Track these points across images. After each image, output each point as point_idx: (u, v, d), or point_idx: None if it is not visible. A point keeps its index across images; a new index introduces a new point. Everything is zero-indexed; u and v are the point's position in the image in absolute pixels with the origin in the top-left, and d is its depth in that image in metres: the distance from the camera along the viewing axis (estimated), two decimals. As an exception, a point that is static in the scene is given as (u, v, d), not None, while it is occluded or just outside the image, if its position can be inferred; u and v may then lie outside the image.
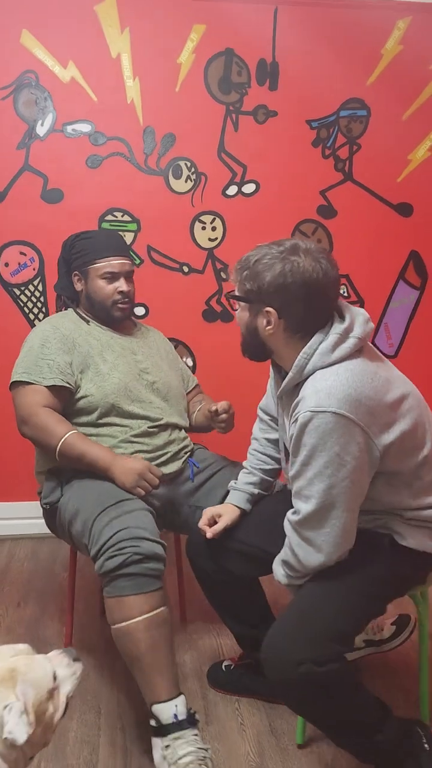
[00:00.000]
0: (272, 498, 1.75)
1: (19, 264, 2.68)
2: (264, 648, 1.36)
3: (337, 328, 1.36)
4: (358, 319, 1.40)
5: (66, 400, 1.82)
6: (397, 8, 2.69)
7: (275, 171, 2.74)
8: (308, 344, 1.35)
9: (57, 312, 2.06)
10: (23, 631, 2.13)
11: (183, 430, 1.99)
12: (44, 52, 2.55)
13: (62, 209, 2.65)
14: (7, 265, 2.67)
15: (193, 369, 2.85)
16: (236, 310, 1.47)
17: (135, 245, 2.72)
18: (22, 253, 2.67)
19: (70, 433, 1.74)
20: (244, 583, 1.71)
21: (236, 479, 1.76)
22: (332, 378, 1.30)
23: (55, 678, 1.09)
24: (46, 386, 1.77)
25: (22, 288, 2.70)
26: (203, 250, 2.77)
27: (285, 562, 1.44)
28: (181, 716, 1.50)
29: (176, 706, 1.51)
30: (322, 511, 1.32)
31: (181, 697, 1.54)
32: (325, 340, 1.35)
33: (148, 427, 1.86)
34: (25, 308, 2.71)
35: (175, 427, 1.94)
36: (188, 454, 1.97)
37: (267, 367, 2.84)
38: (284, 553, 1.44)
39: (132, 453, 1.81)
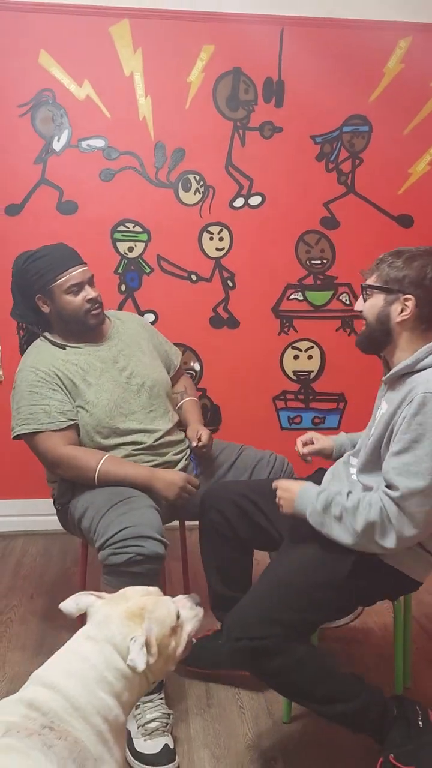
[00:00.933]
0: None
1: (35, 272, 2.80)
2: (226, 624, 1.52)
3: None
4: None
5: (78, 432, 1.89)
6: (399, 28, 2.80)
7: (280, 184, 2.86)
8: None
9: (21, 343, 2.04)
10: (36, 621, 2.24)
11: (176, 431, 2.06)
12: (61, 72, 2.69)
13: (77, 220, 2.78)
14: (23, 273, 2.80)
15: (200, 373, 2.96)
16: (364, 301, 1.58)
17: (145, 254, 2.84)
18: (38, 262, 2.79)
19: (102, 462, 1.81)
20: (243, 547, 1.82)
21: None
22: None
23: (178, 617, 1.25)
24: (54, 430, 1.82)
25: (38, 295, 2.82)
26: (211, 260, 2.89)
27: (344, 514, 1.46)
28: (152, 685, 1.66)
29: None
30: (428, 490, 1.38)
31: None
32: None
33: (148, 445, 1.93)
34: (41, 314, 2.84)
35: (170, 433, 2.01)
36: (187, 451, 2.05)
37: (269, 370, 2.96)
38: (359, 512, 1.44)
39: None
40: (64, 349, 1.93)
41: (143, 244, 2.84)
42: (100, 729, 1.08)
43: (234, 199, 2.85)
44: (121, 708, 1.13)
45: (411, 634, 1.92)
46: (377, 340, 1.56)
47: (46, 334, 1.97)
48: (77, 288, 1.89)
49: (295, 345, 2.99)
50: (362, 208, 2.91)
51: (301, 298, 2.96)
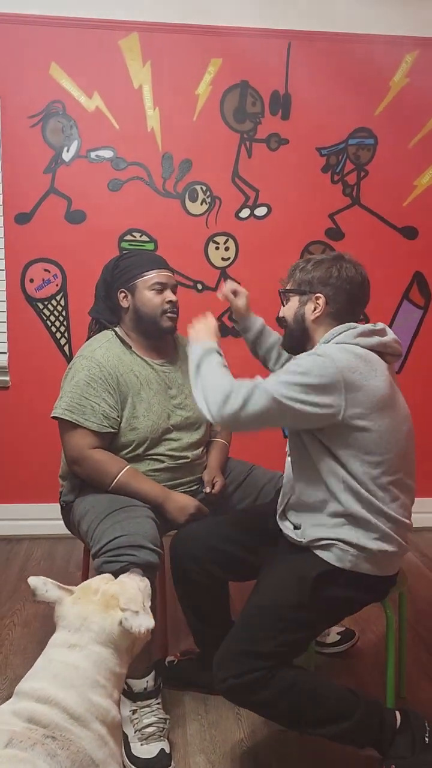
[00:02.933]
0: (266, 506, 1.88)
1: (43, 280, 2.85)
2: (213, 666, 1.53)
3: (369, 326, 1.61)
4: (390, 334, 1.64)
5: (111, 439, 1.89)
6: (405, 43, 2.83)
7: (286, 195, 2.89)
8: (340, 326, 1.61)
9: (90, 334, 2.04)
10: (39, 624, 2.27)
11: (202, 456, 2.07)
12: (71, 84, 2.74)
13: (84, 229, 2.82)
14: (32, 280, 2.85)
15: (205, 381, 2.99)
16: (283, 305, 1.73)
17: (152, 264, 2.88)
18: (46, 270, 2.85)
19: (122, 473, 1.82)
20: (218, 587, 1.83)
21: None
22: (343, 347, 1.53)
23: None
24: (92, 430, 1.83)
25: (45, 302, 2.87)
26: (216, 269, 2.92)
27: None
28: (150, 689, 1.71)
29: (147, 681, 1.72)
30: (273, 403, 1.44)
31: (152, 673, 1.74)
32: (354, 328, 1.59)
33: (169, 467, 1.95)
34: (48, 321, 2.88)
35: (194, 465, 2.02)
36: (199, 489, 2.05)
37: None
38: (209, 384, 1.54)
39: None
40: (131, 352, 1.96)
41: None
42: (101, 733, 1.11)
43: (240, 210, 2.89)
44: (115, 707, 1.16)
45: (406, 644, 1.93)
46: (298, 339, 1.69)
47: (117, 328, 2.00)
48: (161, 287, 1.95)
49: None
50: (367, 219, 2.94)
51: (306, 308, 2.98)
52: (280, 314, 1.73)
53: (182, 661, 1.96)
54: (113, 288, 2.00)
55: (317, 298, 1.62)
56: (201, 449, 2.06)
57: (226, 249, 2.91)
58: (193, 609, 1.85)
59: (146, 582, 1.35)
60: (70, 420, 1.84)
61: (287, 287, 1.72)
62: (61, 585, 1.25)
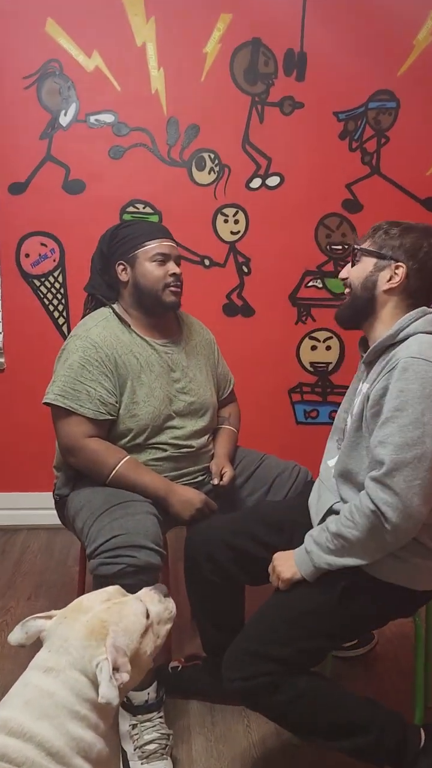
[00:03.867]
0: (285, 504, 1.71)
1: (39, 255, 2.67)
2: (222, 665, 1.40)
3: None
4: None
5: (109, 426, 1.74)
6: (431, -3, 2.60)
7: (300, 164, 2.68)
8: (415, 310, 1.40)
9: (86, 311, 1.87)
10: (33, 623, 2.12)
11: (208, 444, 1.91)
12: (69, 41, 2.53)
13: (84, 200, 2.63)
14: (27, 255, 2.67)
15: (213, 364, 2.81)
16: (352, 266, 1.50)
17: (156, 237, 2.69)
18: (42, 244, 2.66)
19: (121, 463, 1.67)
20: (235, 590, 1.67)
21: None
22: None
23: (148, 616, 1.10)
24: (88, 418, 1.68)
25: (42, 279, 2.69)
26: (225, 244, 2.73)
27: (339, 535, 1.34)
28: (152, 701, 1.57)
29: (148, 693, 1.57)
30: (416, 461, 1.26)
31: (154, 684, 1.59)
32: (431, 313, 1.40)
33: (172, 456, 1.79)
34: (45, 300, 2.71)
35: (199, 454, 1.86)
36: (207, 481, 1.89)
37: (285, 362, 2.81)
38: (346, 522, 1.33)
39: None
40: (130, 331, 1.77)
41: (154, 226, 2.68)
42: None
43: (251, 180, 2.69)
44: (101, 740, 1.00)
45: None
46: (360, 309, 1.48)
47: (115, 305, 1.82)
48: (163, 258, 1.77)
49: (313, 335, 2.83)
50: (387, 190, 2.73)
51: (320, 285, 2.79)
52: (344, 275, 1.52)
53: (187, 668, 1.80)
54: (111, 260, 1.82)
55: (397, 267, 1.42)
56: (207, 437, 1.88)
57: (236, 222, 2.72)
58: (205, 612, 1.69)
59: (168, 605, 1.18)
60: (63, 406, 1.67)
61: (364, 246, 1.48)
62: (40, 615, 1.08)
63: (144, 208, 2.67)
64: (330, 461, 1.56)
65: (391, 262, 1.43)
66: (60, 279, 2.69)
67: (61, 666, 1.00)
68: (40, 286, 2.70)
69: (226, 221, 2.71)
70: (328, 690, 1.39)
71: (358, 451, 1.41)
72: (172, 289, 1.78)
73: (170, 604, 1.19)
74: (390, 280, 1.43)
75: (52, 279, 2.69)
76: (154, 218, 2.68)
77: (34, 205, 2.62)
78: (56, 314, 2.72)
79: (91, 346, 1.70)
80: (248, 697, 1.37)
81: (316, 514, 1.51)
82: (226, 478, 1.80)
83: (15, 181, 2.61)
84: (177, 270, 1.80)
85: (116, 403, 1.70)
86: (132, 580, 1.47)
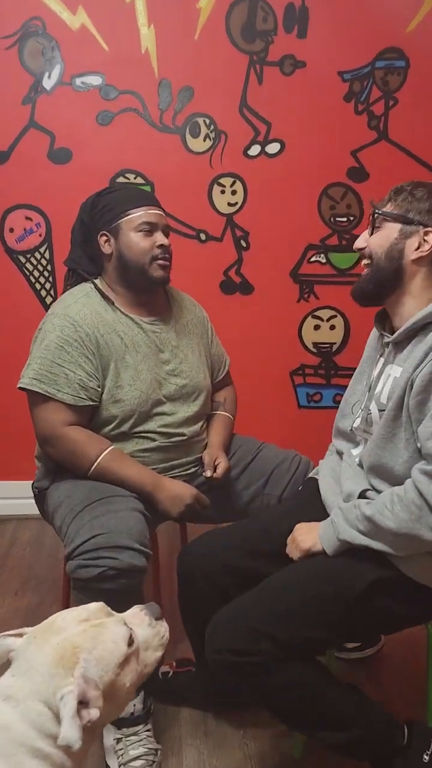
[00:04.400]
0: (290, 509, 1.56)
1: (24, 230, 2.51)
2: (207, 630, 1.28)
3: None
4: None
5: (92, 413, 1.58)
6: None
7: (302, 129, 2.50)
8: None
9: (66, 287, 1.70)
10: (19, 622, 1.99)
11: (202, 432, 1.76)
12: (51, -3, 2.35)
13: (70, 170, 2.46)
14: (11, 230, 2.50)
15: (210, 345, 2.65)
16: (370, 234, 1.34)
17: (148, 210, 2.52)
18: (27, 218, 2.50)
19: (103, 455, 1.52)
20: (226, 602, 1.53)
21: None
22: None
23: (131, 643, 0.96)
24: (67, 404, 1.53)
25: (28, 255, 2.53)
26: (222, 216, 2.56)
27: (372, 520, 1.21)
28: (138, 713, 1.44)
29: (134, 705, 1.45)
30: None
31: (140, 695, 1.46)
32: None
33: (161, 446, 1.65)
34: (31, 277, 2.55)
35: (191, 443, 1.72)
36: (198, 473, 1.74)
37: (287, 342, 2.65)
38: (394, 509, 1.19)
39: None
40: (114, 309, 1.62)
41: (146, 197, 2.51)
42: None
43: (249, 147, 2.51)
44: None
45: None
46: (384, 283, 1.32)
47: (98, 280, 1.66)
48: (149, 228, 1.61)
49: (316, 314, 2.67)
50: (396, 156, 2.54)
51: (324, 260, 2.62)
52: (361, 244, 1.35)
53: (179, 674, 1.67)
54: (92, 231, 1.66)
55: (427, 234, 1.27)
56: (200, 424, 1.73)
57: (233, 193, 2.54)
58: (199, 626, 1.53)
59: (159, 630, 1.03)
60: (39, 391, 1.52)
61: (386, 209, 1.32)
62: (11, 633, 0.94)
63: (135, 178, 2.50)
64: (353, 450, 1.42)
65: (419, 227, 1.27)
66: (47, 255, 2.53)
67: (22, 695, 0.86)
68: (25, 262, 2.54)
69: (222, 192, 2.54)
70: (319, 681, 1.27)
71: (395, 443, 1.26)
72: (160, 262, 1.63)
73: (162, 628, 1.04)
74: (419, 248, 1.28)
75: (38, 255, 2.53)
76: (146, 189, 2.50)
77: (17, 176, 2.45)
78: (43, 293, 2.56)
79: (69, 324, 1.55)
80: (233, 670, 1.24)
81: (337, 504, 1.37)
82: (219, 470, 1.65)
83: (-4, 150, 2.44)
84: (165, 241, 1.64)
85: (98, 387, 1.56)
86: (113, 585, 1.34)
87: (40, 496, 1.66)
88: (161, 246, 1.62)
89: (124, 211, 1.62)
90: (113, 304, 1.62)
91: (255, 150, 2.51)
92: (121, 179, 2.49)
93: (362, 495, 1.30)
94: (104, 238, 1.63)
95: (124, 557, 1.33)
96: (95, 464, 1.51)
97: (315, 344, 2.70)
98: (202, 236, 2.57)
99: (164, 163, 2.49)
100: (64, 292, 1.70)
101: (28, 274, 2.54)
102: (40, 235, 2.51)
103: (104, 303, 1.61)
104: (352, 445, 1.44)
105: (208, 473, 1.64)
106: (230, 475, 1.73)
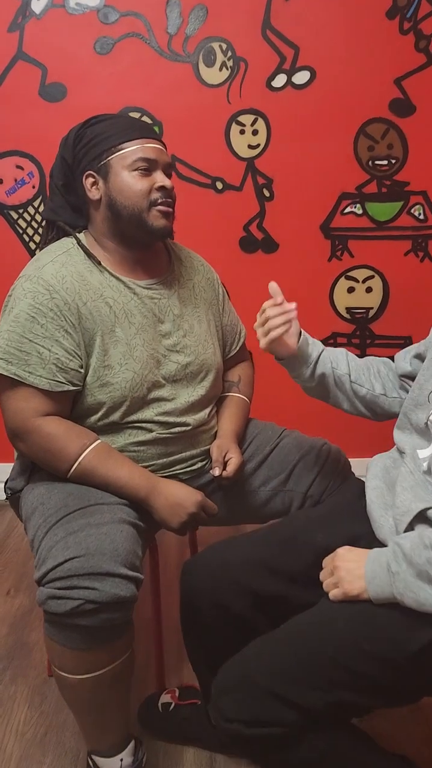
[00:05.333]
0: (320, 513, 1.26)
1: (15, 180, 2.19)
2: (213, 690, 1.02)
3: None
4: None
5: (73, 400, 1.29)
6: None
7: (336, 54, 2.12)
8: None
9: (44, 245, 1.37)
10: (6, 630, 1.76)
11: (210, 420, 1.45)
12: None
13: (65, 109, 2.13)
14: (1, 182, 2.19)
15: (228, 311, 2.33)
16: None
17: (156, 155, 2.18)
18: (18, 167, 2.18)
19: (86, 453, 1.23)
20: (246, 637, 1.24)
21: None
22: None
23: None
24: (41, 389, 1.23)
25: (20, 211, 2.22)
26: (241, 161, 2.20)
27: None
28: None
29: (122, 759, 1.21)
30: None
31: (130, 746, 1.23)
32: None
33: (158, 438, 1.35)
34: (25, 235, 2.25)
35: (197, 432, 1.41)
36: (206, 470, 1.44)
37: (316, 307, 2.31)
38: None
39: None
40: (100, 270, 1.30)
41: (153, 140, 2.17)
42: None
43: (273, 77, 2.14)
44: None
45: None
46: None
47: (82, 234, 1.35)
48: (147, 166, 1.29)
49: (350, 274, 2.32)
50: (448, 85, 2.15)
51: (360, 211, 2.26)
52: None
53: (182, 708, 1.40)
54: (76, 172, 1.34)
55: None
56: (208, 410, 1.43)
57: (255, 133, 2.18)
58: (208, 659, 1.24)
59: None
60: (6, 374, 1.23)
61: None
62: None
63: (141, 117, 2.15)
64: (421, 451, 1.11)
65: None
66: (41, 210, 2.22)
67: None
68: (17, 218, 2.23)
69: (242, 132, 2.18)
70: (357, 753, 1.01)
71: None
72: (161, 208, 1.30)
73: None
74: None
75: (32, 210, 2.23)
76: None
77: (5, 117, 2.13)
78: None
79: (43, 290, 1.24)
80: (248, 746, 1.00)
81: (388, 522, 1.06)
82: (230, 468, 1.35)
83: (-20, 87, 2.12)
84: (167, 182, 1.31)
85: (80, 368, 1.26)
86: (91, 620, 1.07)
87: (13, 500, 1.39)
88: (161, 188, 1.30)
89: (115, 144, 1.29)
90: (100, 264, 1.31)
91: (280, 80, 2.14)
92: (124, 119, 2.15)
93: (423, 515, 0.99)
94: (90, 179, 1.32)
95: (106, 586, 1.06)
96: (75, 465, 1.23)
97: (348, 309, 2.36)
98: (219, 185, 2.22)
99: (174, 99, 2.14)
100: (40, 249, 1.40)
101: (21, 231, 2.24)
102: (33, 187, 2.20)
103: (89, 262, 1.30)
104: (423, 443, 1.12)
105: (217, 471, 1.34)
106: (245, 468, 1.43)
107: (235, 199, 2.23)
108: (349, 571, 1.00)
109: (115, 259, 1.33)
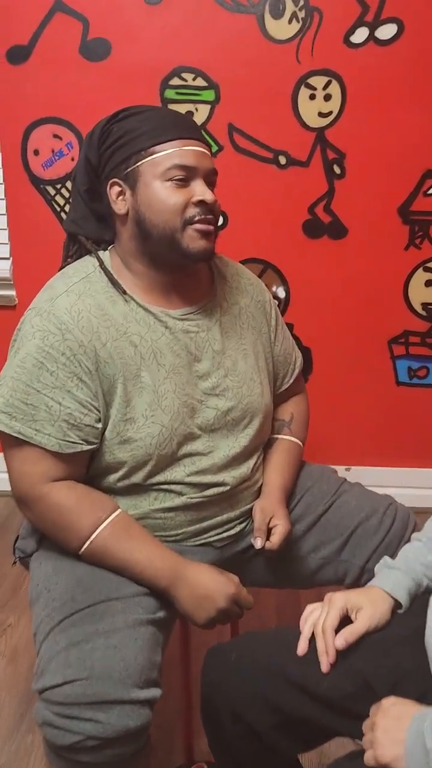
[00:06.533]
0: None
1: (53, 152, 1.96)
2: None
3: None
4: None
5: (89, 457, 1.09)
6: None
7: (430, 2, 1.75)
8: None
9: (65, 263, 1.16)
10: (26, 669, 1.63)
11: (254, 473, 1.22)
12: None
13: (109, 69, 1.86)
14: (36, 153, 1.97)
15: (285, 304, 2.08)
16: None
17: (211, 123, 1.90)
18: (56, 136, 1.95)
19: (99, 530, 1.03)
20: (276, 762, 1.04)
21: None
22: None
23: None
24: (51, 451, 1.03)
25: (58, 186, 2.00)
26: (310, 131, 1.90)
27: None
28: None
29: None
30: None
31: None
32: None
33: (189, 503, 1.13)
34: (63, 214, 2.03)
35: (239, 490, 1.19)
36: (248, 533, 1.22)
37: (387, 301, 2.03)
38: None
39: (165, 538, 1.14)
40: (125, 299, 1.08)
41: (208, 106, 1.89)
42: None
43: (352, 31, 1.80)
44: None
45: None
46: None
47: (106, 253, 1.13)
48: (184, 175, 1.05)
49: (430, 265, 2.01)
50: None
51: (447, 193, 1.94)
52: None
53: None
54: (102, 176, 1.10)
55: None
56: (253, 462, 1.21)
57: (327, 98, 1.86)
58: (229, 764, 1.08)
59: None
60: (9, 433, 1.04)
61: None
62: None
63: (194, 79, 1.86)
64: None
65: None
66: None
67: None
68: (55, 195, 2.01)
69: (312, 97, 1.87)
70: None
71: None
72: (198, 227, 1.05)
73: None
74: None
75: (70, 185, 1.99)
76: (208, 95, 1.87)
77: (41, 78, 1.88)
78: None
79: (55, 329, 1.03)
80: None
81: None
82: (276, 539, 1.13)
83: (15, 44, 1.86)
84: (208, 195, 1.05)
85: (97, 422, 1.05)
86: (94, 757, 0.90)
87: (24, 561, 1.22)
88: (200, 203, 1.05)
89: (146, 147, 1.04)
90: (125, 292, 1.08)
91: (361, 35, 1.80)
92: (175, 81, 1.87)
93: None
94: (116, 189, 1.08)
95: (112, 718, 0.88)
96: (87, 543, 1.04)
97: (425, 305, 2.06)
98: (282, 159, 1.93)
99: (234, 57, 1.84)
100: (61, 268, 1.18)
101: (59, 209, 2.02)
102: (73, 159, 1.96)
103: (112, 291, 1.08)
104: None
105: (259, 543, 1.13)
106: (294, 528, 1.22)
107: (300, 176, 1.94)
108: (386, 732, 0.79)
109: (144, 284, 1.10)
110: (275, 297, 2.07)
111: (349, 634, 0.91)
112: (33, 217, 2.03)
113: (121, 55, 1.85)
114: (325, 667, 0.90)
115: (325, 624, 0.92)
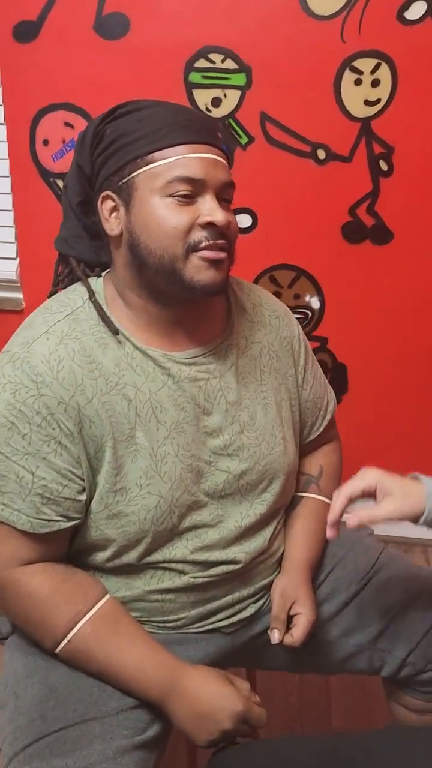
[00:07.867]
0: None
1: (63, 142, 1.77)
2: None
3: None
4: None
5: (68, 535, 0.91)
6: None
7: None
8: None
9: (55, 289, 0.99)
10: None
11: (272, 542, 1.02)
12: None
13: (127, 49, 1.65)
14: (46, 143, 1.77)
15: (319, 315, 1.86)
16: None
17: (240, 112, 1.67)
18: (67, 125, 1.75)
19: (77, 629, 0.86)
20: None
21: None
22: None
23: None
24: (23, 531, 0.86)
25: (70, 179, 1.80)
26: (354, 122, 1.66)
27: None
28: None
29: None
30: None
31: None
32: None
33: (192, 584, 0.94)
34: (74, 210, 1.83)
35: (254, 563, 0.99)
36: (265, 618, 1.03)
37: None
38: None
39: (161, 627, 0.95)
40: (119, 341, 0.89)
41: (238, 92, 1.66)
42: None
43: (407, 5, 1.55)
44: None
45: None
46: None
47: (99, 284, 0.93)
48: (190, 190, 0.84)
49: None
50: None
51: None
52: None
53: None
54: (95, 186, 0.90)
55: None
56: (271, 530, 1.01)
57: (375, 84, 1.62)
58: None
59: None
60: None
61: None
62: None
63: (223, 61, 1.64)
64: None
65: None
66: (95, 179, 1.80)
67: None
68: (66, 189, 1.82)
69: (358, 82, 1.63)
70: None
71: None
72: (205, 254, 0.84)
73: None
74: None
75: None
76: (239, 79, 1.65)
77: (51, 59, 1.68)
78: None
79: (29, 381, 0.83)
80: None
81: None
82: (298, 633, 0.94)
83: (23, 20, 1.66)
84: (218, 216, 0.84)
85: (80, 493, 0.86)
86: None
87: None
88: (209, 225, 0.84)
89: (143, 154, 0.84)
90: (117, 332, 0.88)
91: (416, 10, 1.55)
92: (201, 63, 1.64)
93: None
94: (109, 203, 0.88)
95: None
96: (63, 642, 0.86)
97: None
98: (321, 153, 1.70)
99: (269, 36, 1.60)
100: (50, 294, 0.99)
101: (70, 205, 1.83)
102: (86, 150, 1.76)
103: (103, 331, 0.88)
104: None
105: (276, 636, 0.94)
106: (321, 609, 1.02)
107: (341, 173, 1.71)
108: (402, 486, 0.85)
109: (143, 321, 0.90)
110: (308, 308, 1.85)
111: (367, 516, 0.84)
112: (42, 213, 1.84)
113: (140, 32, 1.63)
114: (330, 533, 0.88)
115: (343, 489, 0.87)
